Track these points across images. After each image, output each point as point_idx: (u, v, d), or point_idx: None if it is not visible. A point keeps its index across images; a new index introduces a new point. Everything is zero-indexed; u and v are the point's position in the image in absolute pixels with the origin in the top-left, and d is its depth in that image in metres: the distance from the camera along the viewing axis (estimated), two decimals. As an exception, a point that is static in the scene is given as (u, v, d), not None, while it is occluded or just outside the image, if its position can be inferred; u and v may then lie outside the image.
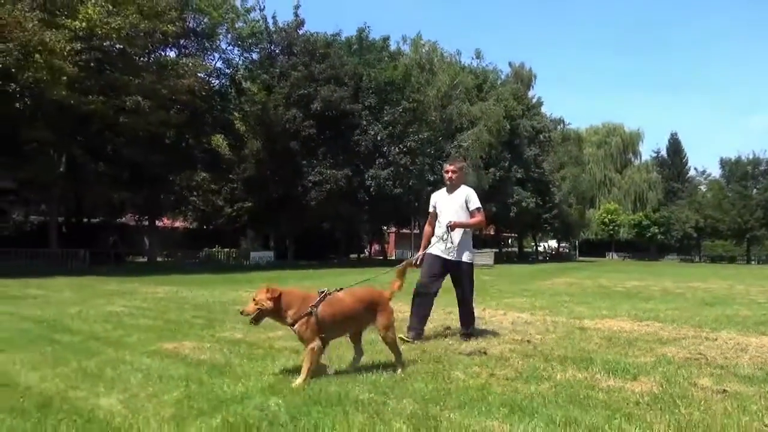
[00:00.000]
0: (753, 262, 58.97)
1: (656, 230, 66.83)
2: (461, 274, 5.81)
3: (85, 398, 3.55)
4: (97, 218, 36.49)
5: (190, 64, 23.60)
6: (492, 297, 12.02)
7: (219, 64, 28.99)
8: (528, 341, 5.81)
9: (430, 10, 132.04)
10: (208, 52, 28.17)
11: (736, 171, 62.30)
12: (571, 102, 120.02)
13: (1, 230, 24.71)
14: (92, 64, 20.68)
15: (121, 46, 21.60)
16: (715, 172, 69.57)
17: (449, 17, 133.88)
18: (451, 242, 5.70)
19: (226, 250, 40.60)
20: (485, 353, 5.05)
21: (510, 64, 60.27)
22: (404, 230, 52.95)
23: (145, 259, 37.69)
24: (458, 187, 5.92)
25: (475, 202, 5.82)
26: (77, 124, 21.89)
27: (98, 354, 4.96)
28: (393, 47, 40.88)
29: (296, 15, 34.95)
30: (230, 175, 31.31)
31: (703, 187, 71.45)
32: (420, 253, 5.95)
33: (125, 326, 6.76)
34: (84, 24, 19.94)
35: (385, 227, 49.64)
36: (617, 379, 4.20)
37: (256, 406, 3.31)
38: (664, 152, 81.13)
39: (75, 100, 19.85)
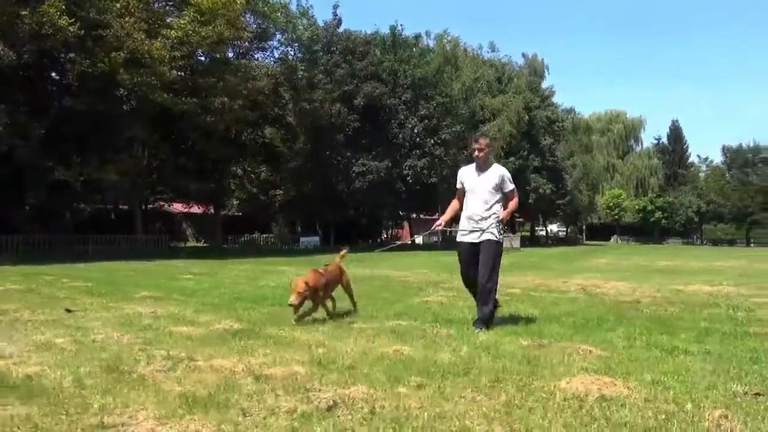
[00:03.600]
0: (752, 245, 62.38)
1: (660, 215, 69.88)
2: (493, 252, 5.43)
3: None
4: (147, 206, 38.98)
5: (263, 66, 25.98)
6: (562, 273, 14.64)
7: (271, 63, 31.26)
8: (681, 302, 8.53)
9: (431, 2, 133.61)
10: (267, 52, 30.59)
11: (738, 158, 65.37)
12: (574, 89, 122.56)
13: (85, 217, 27.00)
14: (187, 70, 23.06)
15: (210, 52, 23.97)
16: (717, 159, 72.71)
17: (448, 8, 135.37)
18: (487, 231, 5.45)
19: (264, 235, 43.29)
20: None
21: (523, 55, 62.43)
22: (430, 216, 55.19)
23: (186, 244, 40.30)
24: (488, 164, 5.61)
25: (510, 183, 5.58)
26: (166, 123, 24.31)
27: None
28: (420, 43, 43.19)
29: (335, 14, 37.38)
30: (283, 166, 33.80)
31: (702, 174, 74.53)
32: (439, 221, 5.90)
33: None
34: (180, 33, 22.30)
35: (413, 214, 52.11)
36: None
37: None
38: (665, 139, 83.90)
39: (171, 102, 22.29)
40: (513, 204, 5.64)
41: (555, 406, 3.01)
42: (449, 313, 6.70)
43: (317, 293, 5.78)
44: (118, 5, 20.60)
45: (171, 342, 4.74)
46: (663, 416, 2.85)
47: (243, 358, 4.09)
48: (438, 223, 5.92)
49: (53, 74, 22.55)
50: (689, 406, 3.00)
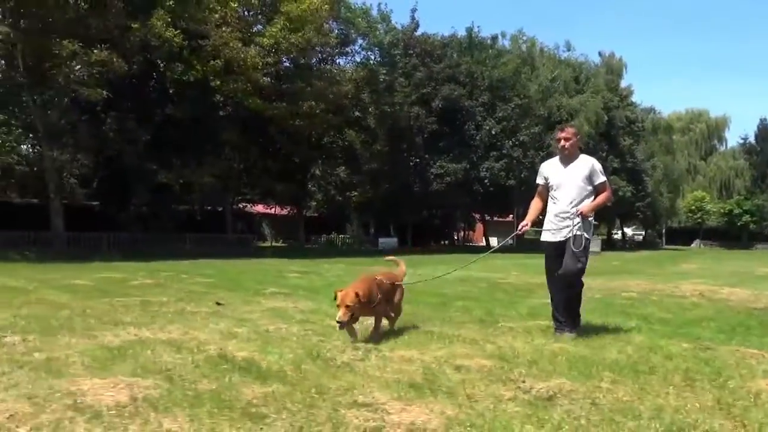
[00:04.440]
0: None
1: (748, 218, 66.23)
2: (580, 247, 5.00)
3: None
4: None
5: (345, 70, 26.65)
6: (663, 278, 14.20)
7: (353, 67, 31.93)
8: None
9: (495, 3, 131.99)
10: (349, 57, 31.33)
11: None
12: (654, 88, 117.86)
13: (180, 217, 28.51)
14: (276, 76, 24.01)
15: (297, 58, 24.86)
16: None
17: (522, 8, 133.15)
18: (575, 227, 5.01)
19: (341, 236, 44.27)
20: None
21: (600, 54, 60.73)
22: (503, 218, 54.65)
23: (267, 244, 41.72)
24: (575, 156, 5.20)
25: (602, 175, 5.15)
26: (256, 127, 25.36)
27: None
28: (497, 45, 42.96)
29: (413, 18, 37.74)
30: (361, 168, 34.50)
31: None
32: (525, 222, 5.45)
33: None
34: (271, 41, 23.22)
35: (487, 216, 51.73)
36: None
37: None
38: (752, 138, 79.46)
39: (263, 107, 23.23)
40: (604, 197, 5.15)
41: (768, 404, 3.10)
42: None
43: (371, 306, 4.71)
44: (216, 16, 21.70)
45: (339, 333, 5.06)
46: None
47: (421, 350, 4.37)
48: (524, 224, 5.45)
49: (155, 83, 23.93)
50: None
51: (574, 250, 4.95)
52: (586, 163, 5.16)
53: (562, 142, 5.17)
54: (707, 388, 3.42)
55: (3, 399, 2.94)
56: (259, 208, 44.11)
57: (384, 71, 32.00)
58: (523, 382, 3.45)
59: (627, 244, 64.03)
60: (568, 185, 5.10)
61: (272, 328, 5.41)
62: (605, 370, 3.77)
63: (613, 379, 3.57)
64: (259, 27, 24.01)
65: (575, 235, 4.97)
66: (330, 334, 5.07)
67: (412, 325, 5.62)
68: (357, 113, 31.80)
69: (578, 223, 4.98)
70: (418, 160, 35.52)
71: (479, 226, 65.73)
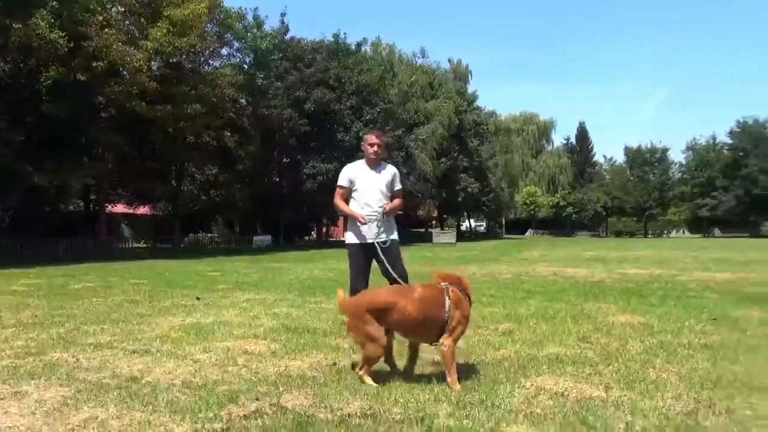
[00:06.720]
0: (650, 236, 70.22)
1: (571, 210, 76.64)
2: (396, 251, 5.23)
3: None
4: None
5: (227, 74, 27.49)
6: (515, 264, 17.75)
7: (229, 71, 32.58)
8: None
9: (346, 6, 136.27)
10: (224, 59, 31.90)
11: (638, 158, 73.21)
12: (494, 92, 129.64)
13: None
14: (161, 80, 24.25)
15: (183, 62, 25.25)
16: (620, 158, 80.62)
17: (382, 14, 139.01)
18: (382, 226, 5.19)
19: (209, 235, 44.21)
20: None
21: (449, 61, 66.32)
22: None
23: (128, 246, 40.49)
24: (381, 163, 5.40)
25: (400, 183, 5.47)
26: (135, 128, 25.33)
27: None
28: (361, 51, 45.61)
29: (282, 21, 38.99)
30: (234, 167, 35.16)
31: (605, 173, 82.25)
32: (357, 214, 5.16)
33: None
34: (155, 45, 23.48)
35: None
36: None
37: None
38: (573, 139, 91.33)
39: (148, 110, 23.47)
40: (400, 202, 5.40)
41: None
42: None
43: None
44: (100, 18, 21.57)
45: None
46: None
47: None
48: (358, 215, 5.17)
49: (32, 83, 23.03)
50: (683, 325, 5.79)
51: (395, 255, 5.17)
52: (390, 170, 5.39)
53: (376, 148, 5.26)
54: (584, 323, 5.97)
55: None
56: (120, 208, 42.54)
57: (261, 75, 33.03)
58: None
59: (473, 235, 70.88)
60: (375, 189, 5.23)
61: (293, 314, 7.16)
62: (530, 319, 6.19)
63: (536, 322, 5.98)
64: (144, 31, 24.03)
65: (392, 239, 5.21)
66: (341, 321, 6.96)
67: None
68: (232, 115, 32.52)
69: (383, 224, 5.19)
70: (289, 160, 37.00)
71: (341, 221, 68.92)
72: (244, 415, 3.08)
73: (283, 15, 39.07)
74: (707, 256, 20.88)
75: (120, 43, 22.26)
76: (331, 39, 41.84)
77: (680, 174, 74.62)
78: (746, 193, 66.20)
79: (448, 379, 3.67)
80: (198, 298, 8.71)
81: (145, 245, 41.56)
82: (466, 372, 3.98)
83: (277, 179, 37.58)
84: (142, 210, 45.71)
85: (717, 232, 71.25)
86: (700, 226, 72.52)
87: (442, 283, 3.97)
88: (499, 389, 3.59)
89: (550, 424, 2.97)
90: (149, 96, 23.61)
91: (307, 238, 54.48)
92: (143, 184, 28.40)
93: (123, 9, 23.32)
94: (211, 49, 27.24)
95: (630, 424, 2.95)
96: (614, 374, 3.96)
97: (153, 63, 23.33)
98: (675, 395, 3.45)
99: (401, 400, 3.35)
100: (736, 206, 67.14)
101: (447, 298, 3.84)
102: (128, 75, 22.37)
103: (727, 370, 4.05)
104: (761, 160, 65.57)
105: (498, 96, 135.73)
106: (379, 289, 4.33)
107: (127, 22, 24.60)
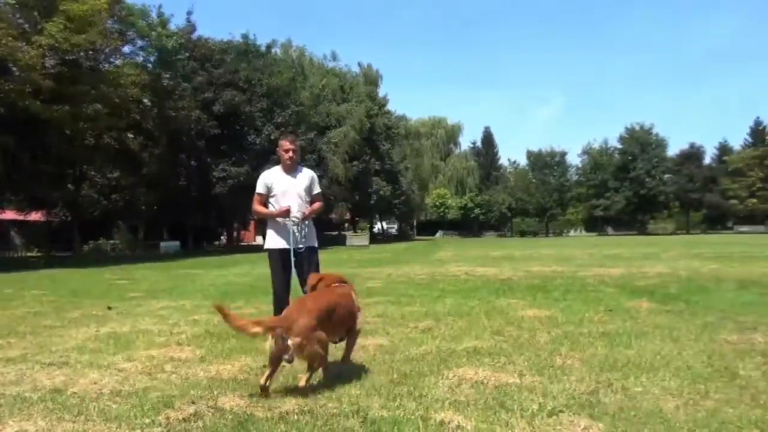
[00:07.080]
0: (551, 235, 74.42)
1: (479, 211, 79.64)
2: (316, 259, 5.31)
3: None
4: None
5: (131, 74, 26.30)
6: (430, 264, 18.40)
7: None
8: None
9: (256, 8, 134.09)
10: (126, 58, 30.43)
11: (539, 161, 77.35)
12: (402, 96, 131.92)
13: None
14: (57, 78, 22.79)
15: (82, 60, 23.84)
16: (523, 161, 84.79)
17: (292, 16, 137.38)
18: (304, 231, 5.23)
19: (111, 241, 41.94)
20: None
21: (359, 65, 66.91)
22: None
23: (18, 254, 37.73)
24: (298, 167, 5.39)
25: (319, 187, 5.50)
26: (34, 130, 23.68)
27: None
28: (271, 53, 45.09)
29: (189, 20, 37.84)
30: (138, 171, 33.65)
31: (509, 175, 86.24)
32: (278, 212, 5.16)
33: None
34: (50, 41, 22.08)
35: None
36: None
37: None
38: (479, 143, 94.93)
39: (43, 110, 22.03)
40: (320, 205, 5.41)
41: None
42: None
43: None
44: (-14, 11, 20.03)
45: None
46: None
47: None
48: (282, 210, 5.14)
49: None
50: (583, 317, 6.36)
51: (314, 263, 5.21)
52: (307, 174, 5.40)
53: (291, 153, 5.25)
54: (497, 318, 6.40)
55: None
56: (9, 214, 39.44)
57: (167, 75, 31.85)
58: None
59: (385, 237, 71.91)
60: (293, 194, 5.23)
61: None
62: (447, 316, 6.54)
63: (453, 319, 6.34)
64: (37, 25, 22.48)
65: (311, 247, 5.25)
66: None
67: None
68: (136, 116, 31.15)
69: (305, 228, 5.22)
70: (198, 163, 35.94)
71: (252, 225, 67.56)
72: (183, 418, 3.14)
73: (189, 14, 38.08)
74: (602, 253, 22.54)
75: (10, 38, 20.79)
76: (240, 40, 41.22)
77: (577, 176, 79.70)
78: (635, 194, 72.00)
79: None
80: (110, 308, 8.41)
81: (39, 254, 38.86)
82: (394, 367, 4.22)
83: (185, 183, 36.35)
84: (35, 216, 42.78)
85: (610, 230, 76.98)
86: (595, 225, 77.90)
87: (336, 283, 4.36)
88: (425, 381, 3.85)
89: (473, 409, 3.26)
90: (44, 95, 22.16)
91: (216, 243, 53.21)
92: (36, 188, 26.52)
93: (14, 1, 21.70)
94: (112, 47, 25.90)
95: (542, 405, 3.29)
96: (526, 362, 4.34)
97: (48, 60, 21.86)
98: (579, 378, 3.86)
99: (335, 396, 3.53)
100: (626, 206, 72.82)
101: (354, 294, 4.32)
102: (19, 72, 20.85)
103: (622, 354, 4.55)
104: (647, 163, 71.55)
105: (408, 100, 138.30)
106: (307, 299, 4.12)
107: (18, 16, 22.91)
